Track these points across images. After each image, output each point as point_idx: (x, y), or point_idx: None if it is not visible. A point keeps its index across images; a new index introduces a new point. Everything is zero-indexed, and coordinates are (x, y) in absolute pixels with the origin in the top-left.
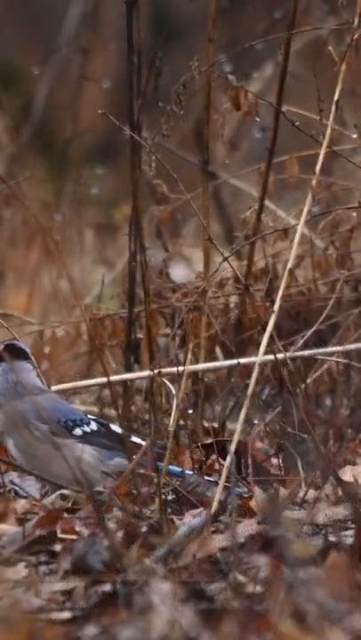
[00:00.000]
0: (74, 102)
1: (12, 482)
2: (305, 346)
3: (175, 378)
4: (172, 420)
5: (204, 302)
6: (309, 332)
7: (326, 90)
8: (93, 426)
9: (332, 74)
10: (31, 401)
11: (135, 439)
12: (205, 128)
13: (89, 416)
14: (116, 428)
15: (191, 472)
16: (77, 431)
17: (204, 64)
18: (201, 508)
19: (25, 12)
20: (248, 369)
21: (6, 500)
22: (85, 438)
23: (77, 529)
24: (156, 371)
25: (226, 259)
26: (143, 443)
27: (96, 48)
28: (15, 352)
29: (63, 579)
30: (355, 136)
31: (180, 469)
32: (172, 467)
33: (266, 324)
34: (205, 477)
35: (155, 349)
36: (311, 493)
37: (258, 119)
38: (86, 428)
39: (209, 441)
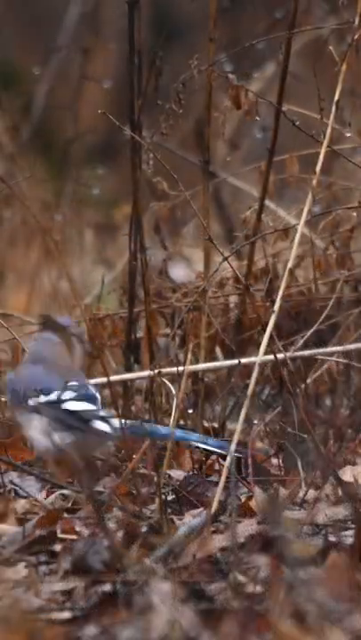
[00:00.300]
0: (74, 102)
1: (11, 482)
2: (305, 346)
3: (175, 378)
4: (172, 420)
5: (204, 302)
6: (309, 332)
7: (327, 89)
8: (53, 397)
9: (332, 74)
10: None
11: (99, 425)
12: (206, 128)
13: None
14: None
15: (181, 430)
16: (30, 401)
17: (204, 63)
18: (201, 508)
19: (25, 11)
20: (248, 369)
21: (6, 499)
22: (35, 408)
23: (77, 529)
24: (156, 371)
25: (226, 259)
26: (106, 429)
27: (96, 48)
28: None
29: (63, 579)
30: (348, 134)
31: (167, 429)
32: (158, 426)
33: (266, 324)
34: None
35: (155, 349)
36: (311, 493)
37: (258, 119)
38: (42, 399)
39: None
